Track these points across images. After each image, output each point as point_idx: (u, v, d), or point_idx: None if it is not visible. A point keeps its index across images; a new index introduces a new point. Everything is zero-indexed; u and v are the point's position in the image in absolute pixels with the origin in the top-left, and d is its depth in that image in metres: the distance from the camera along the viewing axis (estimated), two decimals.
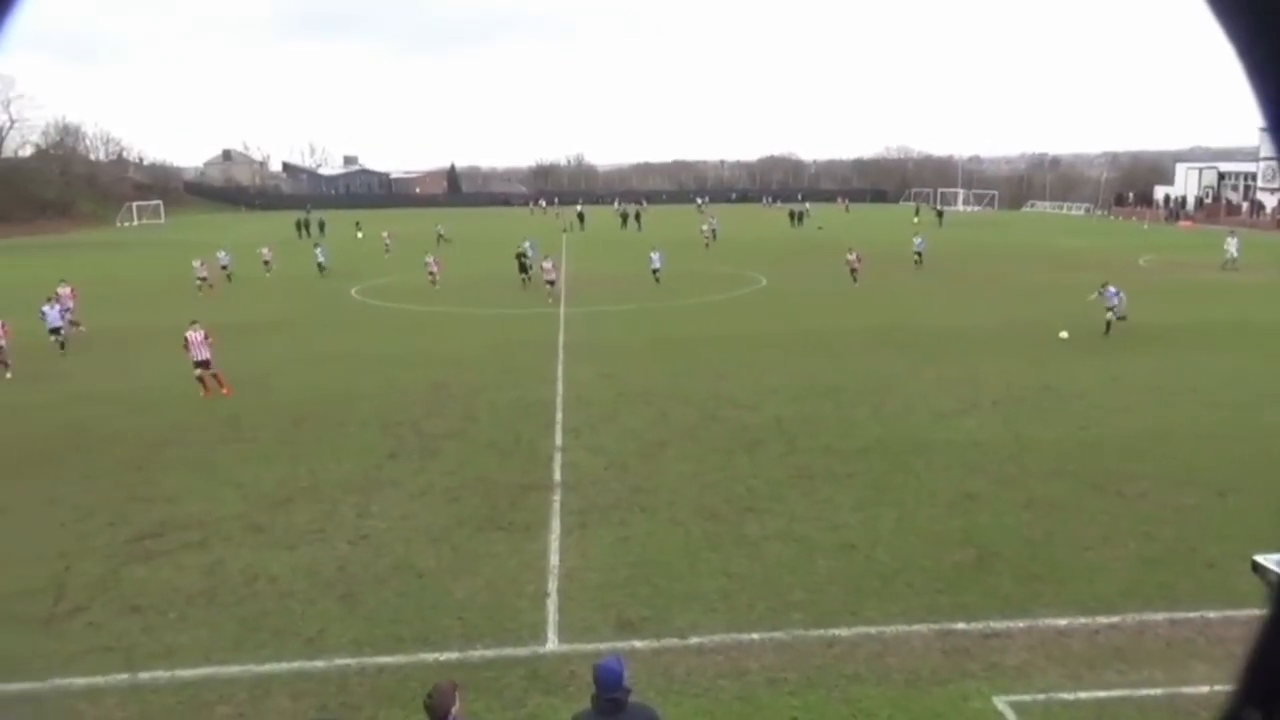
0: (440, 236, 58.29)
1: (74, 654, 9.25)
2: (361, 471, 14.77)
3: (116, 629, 9.77)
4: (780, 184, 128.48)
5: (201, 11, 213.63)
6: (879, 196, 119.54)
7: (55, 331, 25.19)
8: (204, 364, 19.78)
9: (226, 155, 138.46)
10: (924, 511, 12.61)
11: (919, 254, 41.82)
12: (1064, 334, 24.33)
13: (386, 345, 25.75)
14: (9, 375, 22.46)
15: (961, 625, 9.46)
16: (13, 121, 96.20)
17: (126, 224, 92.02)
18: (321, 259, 43.88)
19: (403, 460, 15.35)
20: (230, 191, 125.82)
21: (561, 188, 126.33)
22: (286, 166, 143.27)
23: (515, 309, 32.03)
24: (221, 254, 42.08)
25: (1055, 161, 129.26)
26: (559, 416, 17.84)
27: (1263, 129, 0.92)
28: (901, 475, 14.08)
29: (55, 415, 18.66)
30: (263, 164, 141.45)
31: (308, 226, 70.50)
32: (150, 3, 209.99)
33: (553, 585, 10.59)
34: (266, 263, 43.64)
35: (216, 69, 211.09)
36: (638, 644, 9.15)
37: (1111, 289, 25.23)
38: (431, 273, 37.84)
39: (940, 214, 77.02)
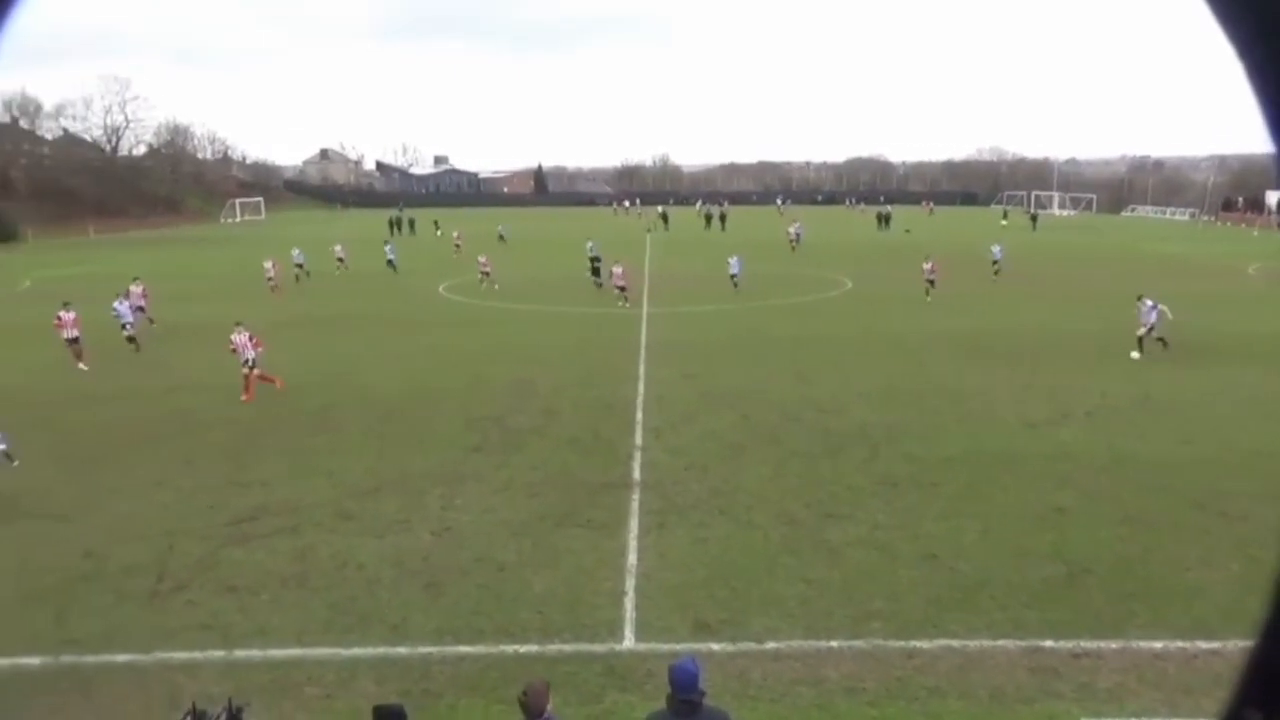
0: (500, 237, 59.10)
1: (174, 629, 9.71)
2: (446, 464, 15.11)
3: (214, 607, 10.22)
4: (867, 185, 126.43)
5: (303, 14, 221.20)
6: (969, 199, 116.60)
7: (126, 328, 25.22)
8: (250, 364, 19.86)
9: (324, 154, 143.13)
10: (1011, 524, 12.27)
11: (996, 263, 39.01)
12: (1135, 354, 22.59)
13: (471, 341, 26.25)
14: (82, 366, 22.84)
15: (1049, 643, 9.17)
16: (128, 122, 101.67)
17: (230, 220, 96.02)
18: (391, 257, 44.61)
19: (486, 454, 15.64)
20: (327, 190, 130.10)
21: (646, 188, 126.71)
22: (380, 166, 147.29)
23: (599, 308, 32.26)
24: (296, 252, 42.09)
25: (1158, 164, 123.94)
26: (639, 416, 17.93)
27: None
28: (988, 486, 13.73)
29: (161, 402, 19.58)
30: (358, 163, 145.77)
31: (400, 225, 72.47)
32: (255, 7, 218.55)
33: (630, 584, 10.65)
34: (341, 260, 44.39)
35: (316, 71, 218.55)
36: (714, 646, 9.14)
37: (1148, 303, 22.55)
38: (485, 272, 37.76)
39: (1034, 218, 74.59)
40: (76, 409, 19.02)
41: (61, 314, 23.05)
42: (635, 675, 8.68)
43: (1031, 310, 30.79)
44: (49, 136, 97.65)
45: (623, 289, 32.47)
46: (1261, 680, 0.94)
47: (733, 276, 35.37)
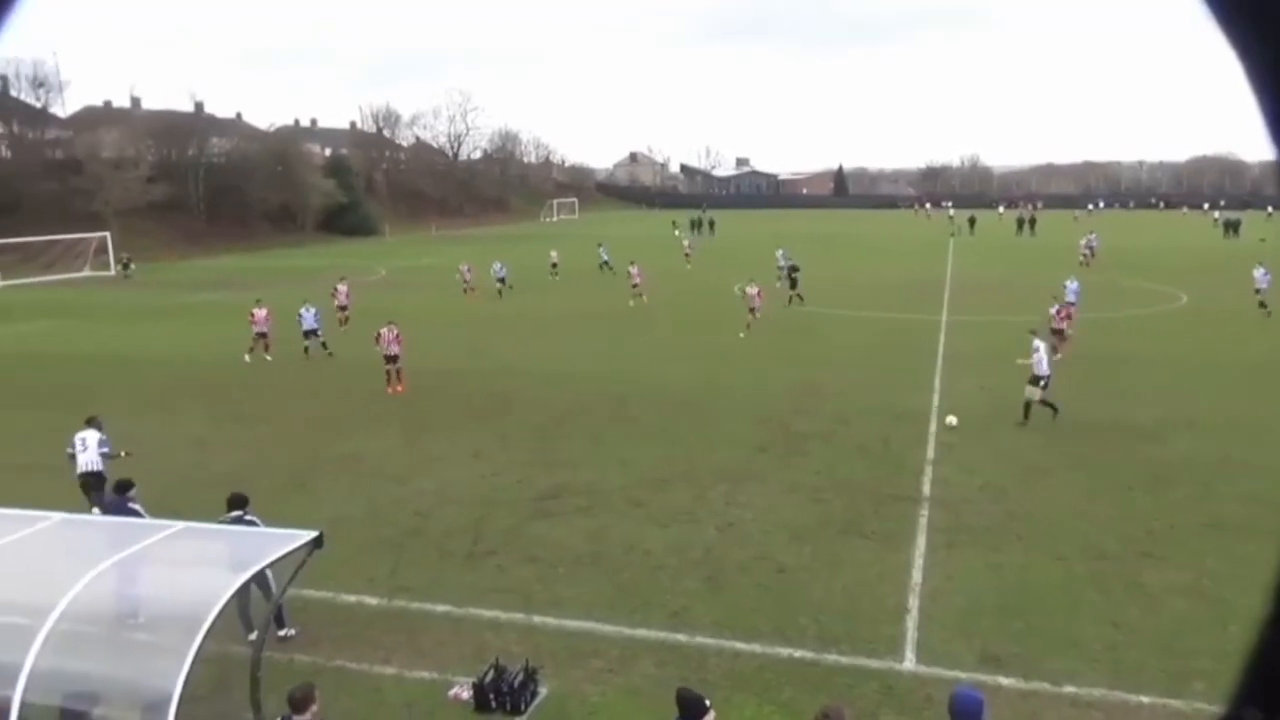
0: (695, 230, 56.02)
1: (484, 590, 10.76)
2: (732, 461, 15.41)
3: (518, 574, 11.19)
4: (1213, 188, 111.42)
5: (619, 24, 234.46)
6: None
7: (311, 334, 25.12)
8: (393, 359, 21.03)
9: (632, 158, 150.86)
10: None
11: (1260, 292, 29.72)
12: (951, 419, 17.23)
13: (759, 341, 26.38)
14: (268, 357, 24.89)
15: None
16: (468, 129, 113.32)
17: (549, 219, 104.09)
18: (606, 258, 45.17)
19: (771, 455, 15.76)
20: (635, 191, 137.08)
21: (952, 190, 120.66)
22: (684, 168, 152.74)
23: (893, 313, 31.28)
24: (497, 265, 39.52)
25: None
26: (932, 428, 17.18)
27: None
28: None
29: (486, 383, 21.66)
30: (663, 165, 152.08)
31: (700, 225, 74.88)
32: (583, 18, 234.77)
33: (914, 603, 10.28)
34: (554, 265, 43.70)
35: (628, 78, 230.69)
36: (1003, 681, 8.60)
37: (1038, 346, 17.33)
38: (635, 284, 34.55)
39: None
40: (416, 383, 21.51)
41: (255, 311, 25.32)
42: (914, 699, 8.38)
43: None
44: (404, 144, 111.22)
45: (753, 310, 28.26)
46: (1262, 680, 0.91)
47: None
